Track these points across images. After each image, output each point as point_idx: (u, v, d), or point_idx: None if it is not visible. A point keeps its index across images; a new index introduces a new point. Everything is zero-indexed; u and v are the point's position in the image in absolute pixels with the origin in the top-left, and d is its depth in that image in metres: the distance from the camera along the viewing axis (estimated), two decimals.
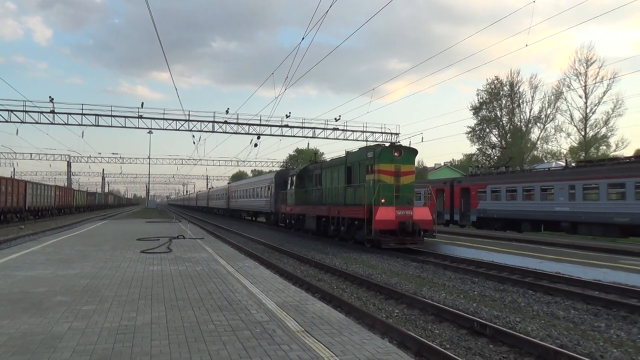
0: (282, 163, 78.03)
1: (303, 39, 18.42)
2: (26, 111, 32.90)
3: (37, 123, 33.26)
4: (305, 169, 26.37)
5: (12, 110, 32.78)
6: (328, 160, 23.20)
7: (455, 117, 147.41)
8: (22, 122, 33.23)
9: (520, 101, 51.90)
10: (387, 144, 19.52)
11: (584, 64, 46.07)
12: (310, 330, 5.28)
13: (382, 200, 17.12)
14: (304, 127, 39.18)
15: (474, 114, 53.15)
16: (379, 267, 13.97)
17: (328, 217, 21.32)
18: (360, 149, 21.21)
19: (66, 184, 72.71)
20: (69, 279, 8.38)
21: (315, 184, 23.87)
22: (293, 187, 26.64)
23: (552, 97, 49.07)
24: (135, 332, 5.09)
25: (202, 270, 9.70)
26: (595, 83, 45.71)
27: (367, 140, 40.70)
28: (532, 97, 50.98)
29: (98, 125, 34.32)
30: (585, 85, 45.86)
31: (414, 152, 18.78)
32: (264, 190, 35.84)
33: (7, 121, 33.31)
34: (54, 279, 8.36)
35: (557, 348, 6.19)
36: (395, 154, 17.92)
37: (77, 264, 10.30)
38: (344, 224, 19.89)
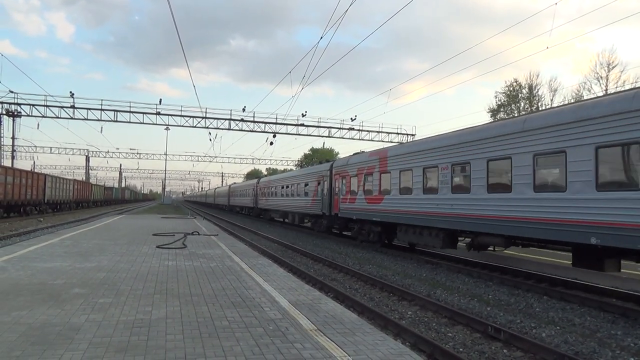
0: (297, 162, 78.08)
1: (321, 38, 18.41)
2: (47, 106, 33.62)
3: (57, 117, 33.97)
4: None
5: (33, 105, 33.51)
6: None
7: (473, 119, 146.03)
8: (43, 116, 33.98)
9: (540, 104, 51.23)
10: None
11: (606, 68, 45.32)
12: (323, 329, 5.29)
13: None
14: (320, 127, 39.38)
15: (491, 117, 52.62)
16: (392, 268, 13.93)
17: None
18: None
19: (84, 178, 73.84)
20: (86, 271, 8.52)
21: None
22: None
23: (572, 100, 48.37)
24: (151, 326, 5.16)
25: (217, 266, 9.77)
26: (616, 87, 44.87)
27: (382, 141, 40.68)
28: (552, 100, 50.22)
29: (117, 121, 34.94)
30: (606, 89, 45.03)
31: None
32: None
33: (28, 115, 34.08)
34: (72, 271, 8.51)
35: (572, 356, 6.12)
36: None
37: (94, 257, 10.46)
38: None
